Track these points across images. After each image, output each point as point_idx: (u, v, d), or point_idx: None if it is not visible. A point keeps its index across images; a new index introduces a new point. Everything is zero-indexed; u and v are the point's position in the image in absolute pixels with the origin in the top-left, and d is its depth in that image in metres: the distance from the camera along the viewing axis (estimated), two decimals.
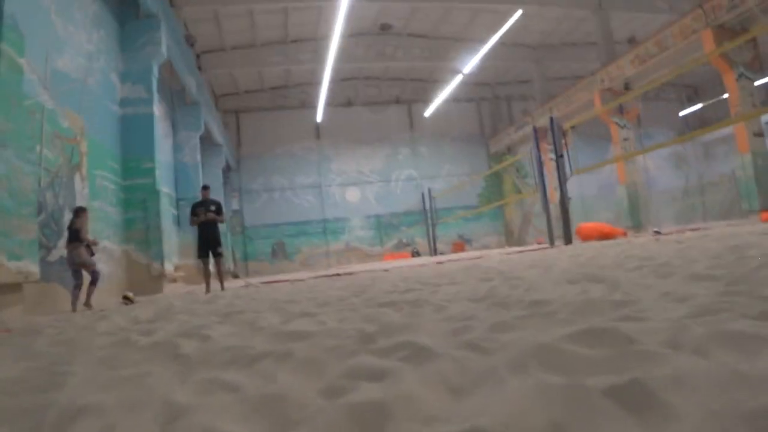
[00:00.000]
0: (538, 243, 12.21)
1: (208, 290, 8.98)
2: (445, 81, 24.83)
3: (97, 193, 9.68)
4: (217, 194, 21.39)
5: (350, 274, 10.45)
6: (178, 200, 17.10)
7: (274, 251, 27.11)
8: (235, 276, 25.15)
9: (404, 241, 27.70)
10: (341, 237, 27.51)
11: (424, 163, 28.61)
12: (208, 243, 9.24)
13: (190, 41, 16.10)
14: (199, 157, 17.73)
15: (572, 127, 20.95)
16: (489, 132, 29.34)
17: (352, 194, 27.92)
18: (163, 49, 11.80)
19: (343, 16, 16.25)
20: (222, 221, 9.48)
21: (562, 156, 11.10)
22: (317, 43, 21.95)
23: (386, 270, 9.14)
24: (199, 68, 21.91)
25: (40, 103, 7.57)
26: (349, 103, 28.39)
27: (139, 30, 11.61)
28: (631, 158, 17.80)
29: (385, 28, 22.61)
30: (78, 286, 7.14)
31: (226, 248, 21.56)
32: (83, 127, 9.21)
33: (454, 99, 27.22)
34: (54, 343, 3.10)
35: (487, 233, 28.46)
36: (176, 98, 17.37)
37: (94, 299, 7.23)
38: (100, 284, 8.96)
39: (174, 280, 14.53)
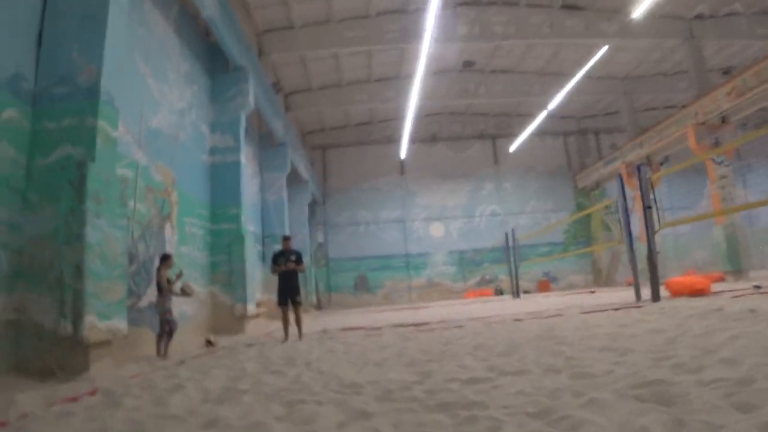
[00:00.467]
0: (628, 284, 11.53)
1: (286, 337, 9.27)
2: (530, 115, 24.55)
3: (185, 239, 10.32)
4: (302, 228, 22.23)
5: (426, 325, 10.36)
6: (264, 237, 17.84)
7: (357, 284, 27.55)
8: (319, 308, 25.81)
9: (487, 278, 27.31)
10: (424, 272, 27.54)
11: (508, 199, 28.25)
12: (288, 291, 9.53)
13: (277, 88, 16.96)
14: (285, 195, 18.45)
15: (661, 166, 20.08)
16: (576, 167, 28.57)
17: (436, 229, 27.97)
18: (251, 99, 12.51)
19: (425, 55, 16.49)
20: (302, 270, 9.77)
21: (650, 207, 10.59)
22: (400, 81, 22.45)
23: (460, 326, 9.01)
24: (287, 108, 22.99)
25: (134, 162, 8.25)
26: (433, 139, 28.66)
27: (228, 83, 12.41)
28: (730, 197, 16.68)
29: (468, 65, 22.76)
30: (161, 335, 7.55)
31: (309, 282, 22.22)
32: (174, 179, 9.91)
33: (539, 133, 26.79)
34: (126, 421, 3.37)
35: (574, 271, 27.50)
36: (263, 140, 18.28)
37: (171, 348, 7.61)
38: (184, 325, 9.56)
39: (257, 315, 15.12)
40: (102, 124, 5.91)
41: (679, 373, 3.44)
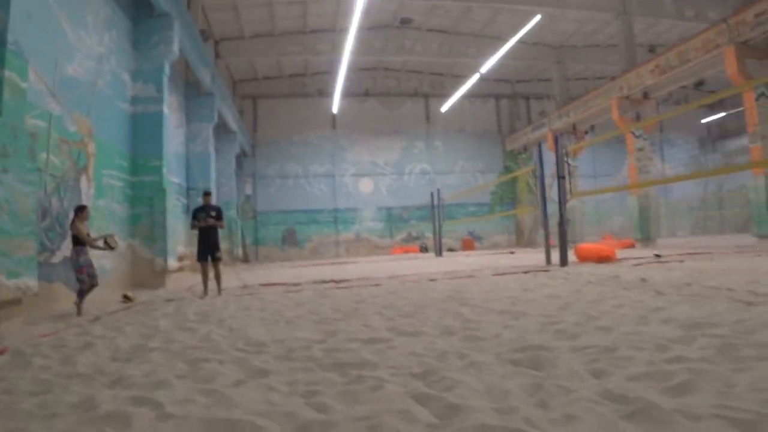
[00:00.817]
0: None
1: (205, 293, 9.35)
2: (463, 76, 24.88)
3: (103, 192, 10.11)
4: (229, 180, 21.98)
5: (346, 282, 10.70)
6: (188, 189, 17.57)
7: (285, 238, 27.65)
8: (245, 260, 25.78)
9: (413, 234, 28.04)
10: (352, 227, 27.93)
11: (438, 158, 28.81)
12: (208, 247, 9.56)
13: (205, 35, 16.42)
14: (211, 147, 18.15)
15: (586, 134, 20.99)
16: (506, 130, 29.38)
17: (365, 185, 28.26)
18: (175, 47, 12.12)
19: (361, 8, 16.29)
20: (222, 227, 9.78)
21: (563, 177, 11.23)
22: (336, 34, 22.15)
23: (378, 285, 9.41)
24: (217, 55, 22.32)
25: (47, 112, 7.96)
26: (366, 94, 28.60)
27: (152, 29, 11.95)
28: (645, 169, 17.79)
29: (405, 22, 22.70)
30: (82, 290, 7.36)
31: (234, 235, 22.13)
32: (91, 129, 9.61)
33: (472, 95, 27.28)
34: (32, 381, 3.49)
35: (498, 231, 28.66)
36: (190, 89, 17.77)
37: (88, 303, 7.53)
38: (103, 279, 9.47)
39: (181, 269, 15.06)
40: (9, 75, 5.73)
41: (559, 339, 3.85)
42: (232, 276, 15.36)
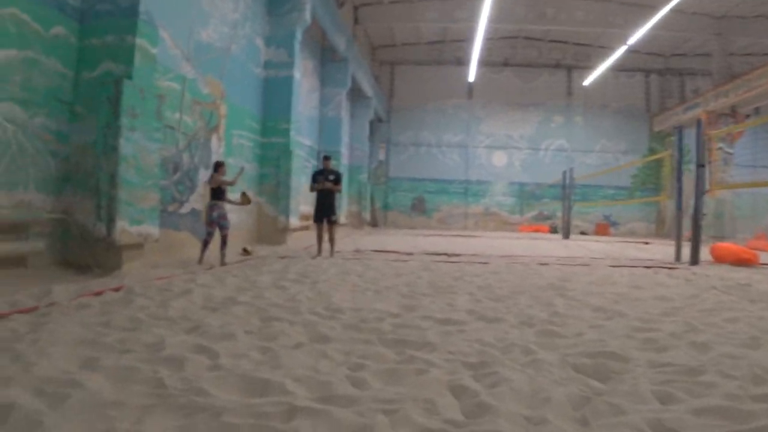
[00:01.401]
0: (688, 239, 10.95)
1: (318, 253, 9.80)
2: (610, 48, 23.21)
3: (232, 151, 10.94)
4: (362, 144, 22.64)
5: (456, 257, 10.74)
6: (319, 152, 18.37)
7: (414, 205, 28.03)
8: (374, 225, 26.60)
9: (545, 213, 27.08)
10: (482, 200, 27.61)
11: (577, 135, 27.37)
12: (324, 209, 9.90)
13: (339, 2, 16.84)
14: (343, 112, 18.76)
15: (747, 118, 18.69)
16: (655, 108, 27.05)
17: (499, 158, 27.70)
18: (307, 14, 12.61)
19: None
20: (339, 191, 10.07)
21: (702, 166, 10.22)
22: (475, 1, 21.62)
23: (486, 263, 9.29)
24: (356, 21, 22.81)
25: (181, 75, 8.75)
26: (505, 64, 27.77)
27: None
28: None
29: None
30: (207, 242, 8.04)
31: (364, 199, 22.87)
32: (223, 92, 10.40)
33: (618, 68, 25.44)
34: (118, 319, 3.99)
35: (637, 218, 26.77)
36: (325, 55, 18.41)
37: (214, 254, 8.21)
38: (233, 230, 10.34)
39: (306, 228, 15.94)
40: (141, 42, 6.36)
41: (643, 349, 3.40)
42: (355, 238, 16.01)
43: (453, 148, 27.94)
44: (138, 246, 6.47)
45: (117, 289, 5.24)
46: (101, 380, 2.59)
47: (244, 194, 8.61)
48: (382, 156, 28.28)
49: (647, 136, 26.90)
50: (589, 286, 6.53)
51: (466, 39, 25.88)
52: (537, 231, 25.57)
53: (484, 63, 25.93)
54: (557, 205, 26.14)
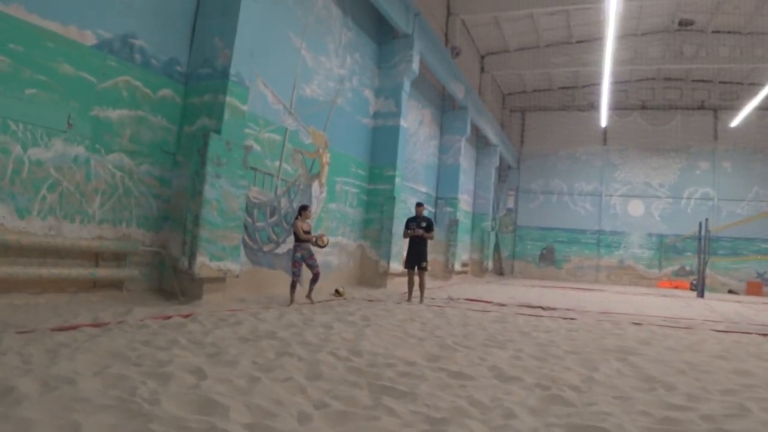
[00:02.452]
0: None
1: (409, 298, 10.11)
2: (761, 85, 21.37)
3: (335, 196, 11.75)
4: (486, 192, 22.79)
5: (549, 311, 10.51)
6: (437, 198, 18.85)
7: (543, 255, 27.35)
8: (499, 273, 26.32)
9: (687, 268, 24.95)
10: (616, 252, 26.23)
11: (725, 182, 25.15)
12: (415, 256, 10.18)
13: (455, 52, 17.46)
14: (462, 159, 19.11)
15: None
16: None
17: (635, 207, 26.26)
18: (414, 66, 13.30)
19: (615, 13, 15.38)
20: (431, 238, 10.23)
21: None
22: (603, 43, 21.22)
23: (572, 319, 8.97)
24: (483, 69, 23.35)
25: (282, 127, 9.74)
26: (643, 107, 26.56)
27: (393, 50, 13.35)
28: None
29: (685, 24, 20.59)
30: (294, 282, 8.64)
31: (487, 247, 22.81)
32: (327, 141, 11.30)
33: None
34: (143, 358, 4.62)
35: None
36: (446, 103, 19.05)
37: (315, 294, 8.78)
38: (328, 272, 11.05)
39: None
40: (230, 99, 7.32)
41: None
42: (463, 286, 16.08)
43: (585, 196, 27.02)
44: (219, 279, 7.29)
45: (186, 316, 5.99)
46: (94, 382, 3.17)
47: (317, 238, 8.76)
48: (510, 204, 28.09)
49: None
50: (666, 352, 5.81)
51: (599, 83, 25.27)
52: (677, 287, 23.69)
53: (619, 107, 25.14)
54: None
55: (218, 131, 7.20)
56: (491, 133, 22.72)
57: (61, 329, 4.74)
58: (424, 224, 10.18)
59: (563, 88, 27.35)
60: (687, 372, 4.66)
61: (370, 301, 9.74)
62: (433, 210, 18.62)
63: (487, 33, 21.70)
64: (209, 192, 6.92)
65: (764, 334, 8.13)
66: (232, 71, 7.33)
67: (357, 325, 6.31)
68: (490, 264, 23.90)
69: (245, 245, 8.88)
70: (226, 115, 7.28)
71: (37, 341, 4.16)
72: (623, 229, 26.31)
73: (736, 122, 23.45)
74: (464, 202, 22.12)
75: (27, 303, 5.85)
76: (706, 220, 18.32)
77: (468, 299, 11.41)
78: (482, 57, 23.74)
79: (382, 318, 7.20)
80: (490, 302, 11.06)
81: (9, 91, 5.66)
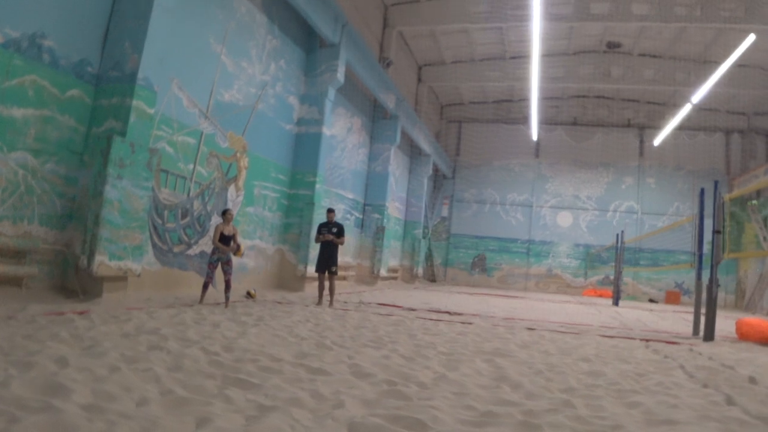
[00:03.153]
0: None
1: (319, 301, 10.55)
2: (682, 106, 22.98)
3: (252, 200, 12.16)
4: (418, 200, 23.58)
5: (455, 315, 11.17)
6: (365, 205, 19.43)
7: (475, 263, 28.33)
8: (431, 280, 27.12)
9: (611, 278, 26.38)
10: (544, 261, 27.48)
11: (649, 197, 26.84)
12: (325, 260, 10.68)
13: (386, 63, 18.15)
14: (391, 167, 19.76)
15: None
16: (735, 170, 26.05)
17: (564, 219, 27.60)
18: (339, 75, 13.87)
19: (539, 34, 16.39)
20: (341, 243, 10.72)
21: (719, 232, 10.17)
22: (542, 58, 22.34)
23: (470, 323, 9.61)
24: (420, 79, 24.14)
25: (198, 130, 10.11)
26: (574, 123, 27.96)
27: (320, 58, 13.89)
28: None
29: (612, 46, 21.93)
30: (206, 283, 8.94)
31: (417, 254, 23.54)
32: (245, 146, 11.71)
33: (695, 128, 24.98)
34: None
35: None
36: (377, 112, 19.68)
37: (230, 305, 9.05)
38: (244, 275, 11.45)
39: (344, 279, 16.86)
40: (137, 103, 7.68)
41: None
42: (386, 291, 16.67)
43: (517, 206, 28.22)
44: (120, 278, 7.62)
45: (81, 313, 6.32)
46: None
47: (237, 246, 9.11)
48: (445, 212, 28.98)
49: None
50: (538, 354, 6.22)
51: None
52: (600, 296, 25.04)
53: (551, 121, 26.41)
54: (625, 269, 25.52)
55: (123, 134, 7.54)
56: (424, 142, 23.50)
57: None
58: (335, 230, 10.64)
59: (498, 101, 28.49)
60: (543, 372, 5.06)
61: (278, 303, 10.15)
62: (361, 216, 19.19)
63: (424, 45, 22.52)
64: (110, 192, 7.26)
65: (646, 340, 8.93)
66: (140, 75, 7.69)
67: (246, 325, 6.72)
68: (420, 270, 24.66)
69: (154, 246, 9.21)
70: (132, 118, 7.63)
71: None
72: (552, 239, 27.61)
73: (658, 141, 25.03)
74: (395, 209, 22.84)
75: None
76: (622, 232, 19.56)
77: (380, 304, 11.95)
78: (420, 68, 24.56)
79: (277, 319, 7.63)
80: (400, 307, 11.64)
81: None
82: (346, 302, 11.60)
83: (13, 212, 7.02)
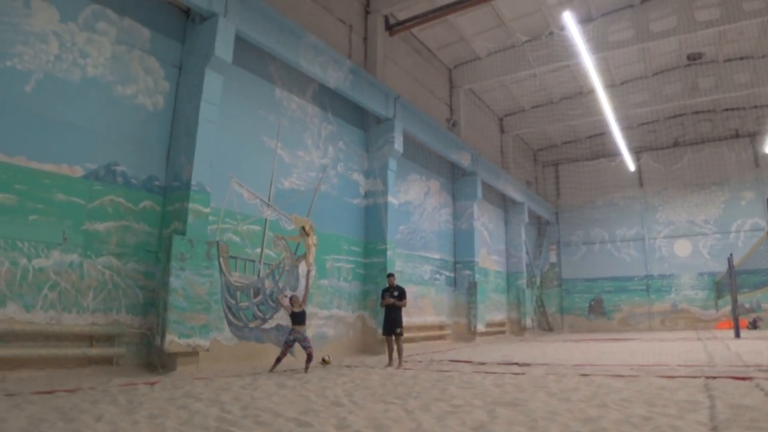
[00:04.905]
0: None
1: (390, 363, 11.47)
2: None
3: (325, 273, 13.60)
4: (518, 251, 24.01)
5: (518, 373, 11.52)
6: (455, 263, 20.31)
7: (592, 307, 27.81)
8: (549, 329, 26.96)
9: (746, 306, 24.73)
10: (667, 296, 26.39)
11: None
12: (389, 323, 11.65)
13: (450, 123, 19.37)
14: (474, 222, 20.57)
15: None
16: None
17: (682, 247, 26.50)
18: (396, 146, 15.26)
19: (594, 67, 16.88)
20: (403, 305, 11.65)
21: None
22: (615, 88, 22.55)
23: (521, 374, 10.04)
24: (503, 131, 25.08)
25: (262, 218, 11.82)
26: (676, 144, 27.19)
27: (377, 133, 15.42)
28: None
29: (693, 58, 21.60)
30: (279, 358, 10.17)
31: (523, 305, 23.78)
32: (312, 225, 13.28)
33: None
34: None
35: None
36: (457, 171, 20.79)
37: (310, 370, 10.33)
38: (324, 343, 12.79)
39: (442, 338, 17.70)
40: (193, 206, 9.47)
41: None
42: (480, 348, 17.22)
43: (628, 242, 27.58)
44: (191, 354, 9.21)
45: (151, 383, 7.91)
46: (21, 422, 5.09)
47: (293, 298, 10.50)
48: (553, 258, 28.93)
49: None
50: (559, 402, 6.12)
51: (628, 127, 26.31)
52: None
53: (651, 147, 25.96)
54: (761, 294, 23.87)
55: (183, 233, 9.31)
56: (514, 191, 24.13)
57: (38, 393, 6.74)
58: (396, 293, 11.64)
59: (590, 137, 28.47)
60: (537, 422, 4.94)
61: (348, 366, 11.23)
62: (453, 275, 20.04)
63: (498, 96, 23.56)
64: (174, 282, 8.97)
65: (713, 377, 8.12)
66: (193, 182, 9.51)
67: (285, 387, 7.96)
68: (528, 321, 24.72)
69: (230, 323, 10.84)
70: (190, 219, 9.41)
71: (12, 400, 6.17)
72: (672, 271, 26.54)
73: None
74: (493, 262, 23.42)
75: (30, 376, 7.97)
76: (731, 255, 18.72)
77: (452, 360, 12.59)
78: (500, 119, 25.50)
79: (324, 381, 8.79)
80: (470, 362, 12.17)
81: (16, 219, 7.99)
82: (420, 361, 12.38)
83: (104, 305, 8.91)
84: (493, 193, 23.53)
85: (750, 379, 7.80)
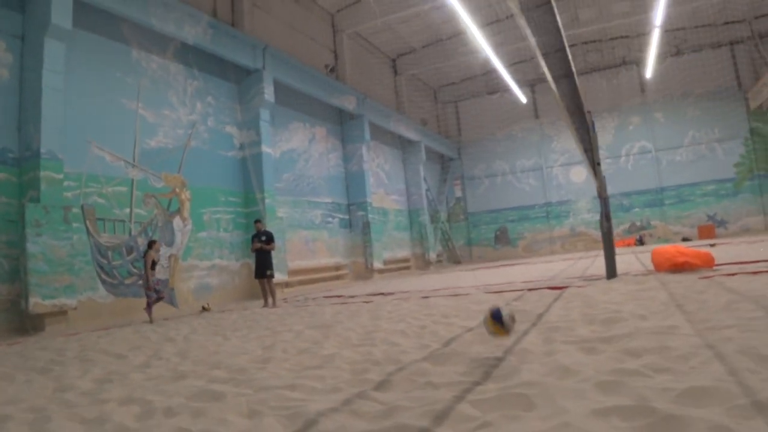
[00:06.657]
0: None
1: (265, 304, 12.83)
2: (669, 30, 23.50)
3: (203, 226, 14.70)
4: (418, 188, 25.52)
5: (367, 302, 13.03)
6: (349, 205, 21.69)
7: (497, 237, 29.95)
8: (457, 262, 28.97)
9: (638, 224, 27.31)
10: (566, 221, 28.71)
11: (660, 132, 27.50)
12: (260, 266, 12.99)
13: (328, 69, 20.37)
14: (365, 164, 21.88)
15: None
16: (748, 82, 26.26)
17: (577, 174, 28.71)
18: (266, 96, 16.23)
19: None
20: (272, 249, 13.03)
21: (599, 164, 11.55)
22: (493, 27, 23.84)
23: (406, 300, 11.56)
24: (397, 72, 26.19)
25: (128, 179, 12.76)
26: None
27: (248, 86, 16.34)
28: None
29: None
30: (149, 303, 11.60)
31: (426, 240, 25.48)
32: (184, 181, 14.27)
33: (695, 48, 25.44)
34: None
35: (748, 212, 25.82)
36: (345, 115, 21.91)
37: (154, 315, 11.69)
38: (209, 293, 14.01)
39: (339, 278, 19.13)
40: (45, 173, 10.35)
41: None
42: (373, 283, 18.78)
43: (528, 172, 29.62)
44: (59, 313, 10.29)
45: (11, 344, 8.98)
46: None
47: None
48: (458, 193, 30.75)
49: (745, 116, 26.13)
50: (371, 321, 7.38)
51: (523, 60, 27.80)
52: (628, 245, 26.00)
53: (544, 79, 27.49)
54: (650, 212, 26.41)
55: (38, 200, 10.22)
56: (408, 131, 25.47)
57: None
58: (263, 238, 12.95)
59: (485, 73, 29.87)
60: (329, 338, 6.12)
61: (223, 312, 12.48)
62: (347, 216, 21.44)
63: (387, 38, 24.56)
64: (32, 248, 9.95)
65: (534, 289, 9.87)
66: (43, 150, 10.36)
67: (138, 333, 9.22)
68: (432, 256, 26.57)
69: (104, 282, 11.90)
70: (43, 186, 10.31)
71: None
72: (569, 197, 28.83)
73: (649, 72, 25.68)
74: (393, 201, 24.96)
75: None
76: (604, 177, 20.60)
77: (326, 296, 14.08)
78: (393, 60, 26.56)
79: (182, 324, 10.09)
80: (341, 296, 13.70)
81: None
82: (298, 300, 13.78)
83: None
84: (388, 135, 24.80)
85: (565, 288, 9.41)
